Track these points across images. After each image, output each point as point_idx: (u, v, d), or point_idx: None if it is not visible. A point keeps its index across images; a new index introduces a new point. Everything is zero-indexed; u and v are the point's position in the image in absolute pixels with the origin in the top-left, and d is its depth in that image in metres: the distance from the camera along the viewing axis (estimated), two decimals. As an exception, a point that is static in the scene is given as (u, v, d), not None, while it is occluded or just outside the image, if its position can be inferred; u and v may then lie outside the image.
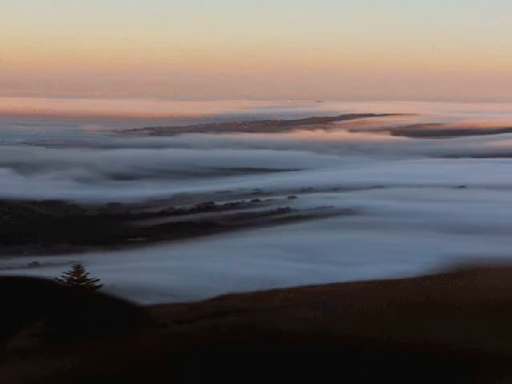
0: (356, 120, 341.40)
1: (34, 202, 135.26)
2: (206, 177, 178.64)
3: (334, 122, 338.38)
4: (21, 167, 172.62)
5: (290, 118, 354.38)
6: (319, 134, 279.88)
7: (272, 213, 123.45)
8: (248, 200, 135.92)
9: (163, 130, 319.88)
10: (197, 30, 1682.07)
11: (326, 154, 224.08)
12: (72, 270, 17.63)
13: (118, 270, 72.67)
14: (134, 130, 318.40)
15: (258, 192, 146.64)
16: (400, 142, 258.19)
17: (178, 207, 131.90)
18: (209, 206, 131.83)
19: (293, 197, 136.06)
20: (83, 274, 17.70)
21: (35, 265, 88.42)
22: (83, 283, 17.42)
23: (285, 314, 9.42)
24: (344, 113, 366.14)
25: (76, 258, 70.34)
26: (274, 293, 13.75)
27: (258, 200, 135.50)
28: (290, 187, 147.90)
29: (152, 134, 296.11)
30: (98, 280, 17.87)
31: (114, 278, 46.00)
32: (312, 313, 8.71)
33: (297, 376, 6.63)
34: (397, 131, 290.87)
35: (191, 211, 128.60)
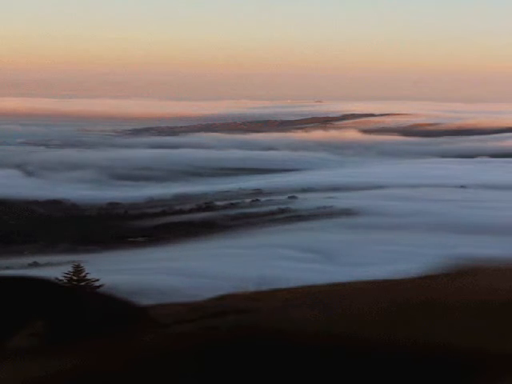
0: (356, 120, 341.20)
1: (33, 202, 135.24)
2: (205, 177, 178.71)
3: (334, 122, 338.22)
4: (21, 167, 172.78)
5: (290, 118, 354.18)
6: (319, 134, 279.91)
7: (272, 213, 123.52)
8: (248, 200, 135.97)
9: (163, 129, 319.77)
10: (197, 29, 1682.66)
11: (326, 153, 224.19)
12: (72, 270, 17.67)
13: (118, 270, 72.75)
14: (134, 130, 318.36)
15: (258, 192, 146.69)
16: (400, 141, 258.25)
17: (177, 207, 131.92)
18: (209, 206, 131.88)
19: (293, 197, 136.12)
20: (83, 274, 17.76)
21: (35, 265, 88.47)
22: (83, 283, 17.46)
23: (285, 313, 9.41)
24: (344, 113, 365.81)
25: (76, 257, 70.39)
26: (274, 293, 13.73)
27: (257, 200, 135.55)
28: (290, 187, 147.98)
29: (152, 134, 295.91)
30: (97, 280, 17.92)
31: (113, 277, 46.09)
32: (312, 313, 8.69)
33: (297, 376, 6.64)
34: (397, 131, 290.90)
35: (191, 211, 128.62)
